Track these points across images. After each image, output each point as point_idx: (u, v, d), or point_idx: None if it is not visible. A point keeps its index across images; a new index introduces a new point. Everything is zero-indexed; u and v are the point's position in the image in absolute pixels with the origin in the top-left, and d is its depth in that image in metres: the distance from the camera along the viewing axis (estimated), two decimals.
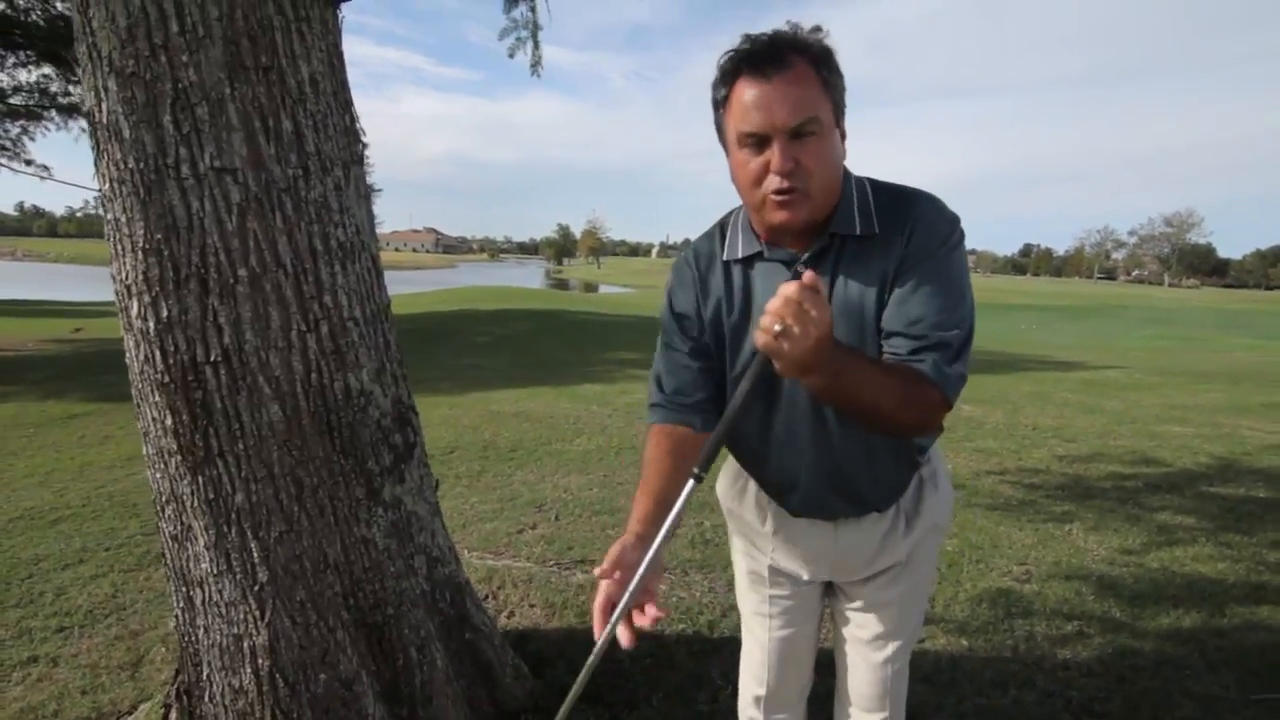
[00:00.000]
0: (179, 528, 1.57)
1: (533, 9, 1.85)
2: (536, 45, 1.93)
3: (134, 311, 1.44)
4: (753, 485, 1.35)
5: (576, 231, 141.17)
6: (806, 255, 1.09)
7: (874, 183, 1.11)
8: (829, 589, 1.42)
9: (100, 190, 1.44)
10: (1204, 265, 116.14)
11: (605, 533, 3.39)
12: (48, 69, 12.78)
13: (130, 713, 2.13)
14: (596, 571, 1.04)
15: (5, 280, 39.19)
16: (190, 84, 1.35)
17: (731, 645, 2.41)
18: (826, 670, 1.51)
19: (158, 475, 1.57)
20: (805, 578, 1.35)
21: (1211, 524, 3.59)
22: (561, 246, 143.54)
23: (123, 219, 1.41)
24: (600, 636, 0.99)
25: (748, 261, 1.14)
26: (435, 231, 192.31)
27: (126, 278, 1.44)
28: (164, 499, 1.58)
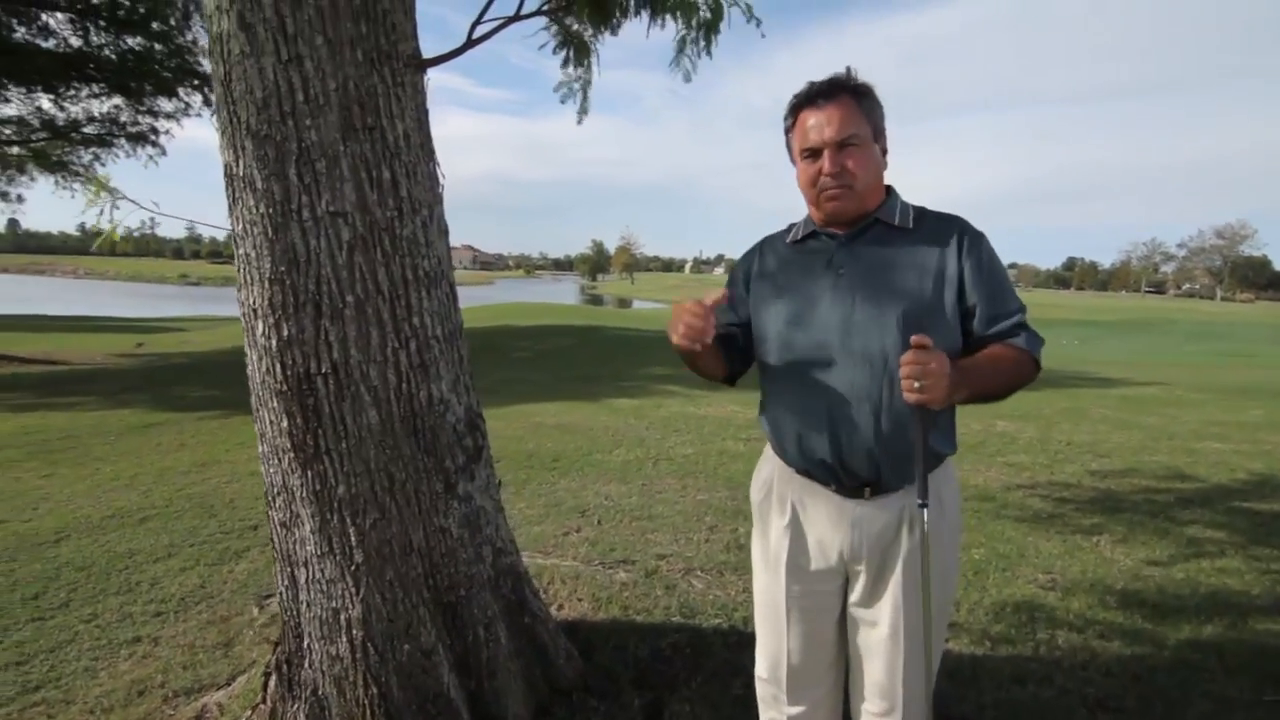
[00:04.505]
0: (288, 515, 1.83)
1: (588, 70, 2.12)
2: (586, 98, 2.21)
3: (259, 331, 1.72)
4: (776, 479, 1.54)
5: (610, 248, 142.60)
6: (849, 233, 1.42)
7: (914, 205, 1.47)
8: (846, 593, 1.51)
9: (233, 230, 1.72)
10: (1259, 278, 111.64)
11: (645, 536, 3.60)
12: (118, 100, 13.67)
13: (228, 684, 2.40)
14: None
15: (71, 297, 41.29)
16: (312, 143, 1.63)
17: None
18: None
19: (271, 470, 1.83)
20: (813, 567, 1.48)
21: (1241, 538, 3.64)
22: (596, 263, 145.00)
23: (252, 254, 1.69)
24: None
25: (803, 241, 1.49)
26: (473, 249, 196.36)
27: (254, 303, 1.71)
28: (275, 490, 1.84)
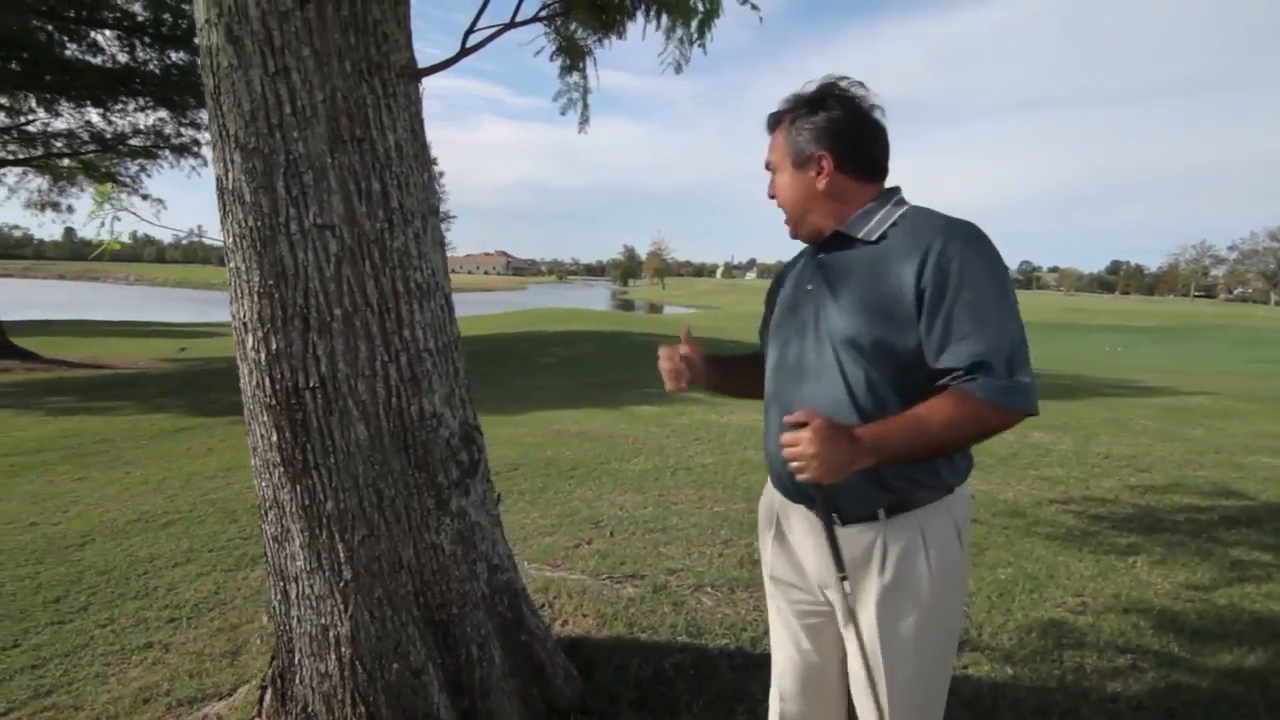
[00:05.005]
0: (279, 530, 1.82)
1: (584, 76, 2.09)
2: (586, 106, 2.17)
3: (249, 344, 1.71)
4: (768, 495, 1.51)
5: (642, 253, 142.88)
6: (817, 247, 1.39)
7: (915, 208, 1.30)
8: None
9: (225, 244, 1.72)
10: None
11: (657, 549, 3.54)
12: (162, 113, 14.15)
13: (230, 695, 2.40)
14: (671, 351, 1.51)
15: (121, 303, 42.84)
16: (299, 155, 1.61)
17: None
18: None
19: (263, 484, 1.82)
20: (796, 584, 1.44)
21: None
22: (627, 268, 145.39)
23: (242, 268, 1.68)
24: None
25: (810, 251, 1.43)
26: (506, 254, 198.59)
27: (244, 316, 1.71)
28: (267, 505, 1.83)
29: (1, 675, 2.56)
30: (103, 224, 1.90)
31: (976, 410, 1.14)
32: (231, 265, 1.71)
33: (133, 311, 33.34)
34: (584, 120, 2.22)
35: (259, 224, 1.63)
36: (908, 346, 1.20)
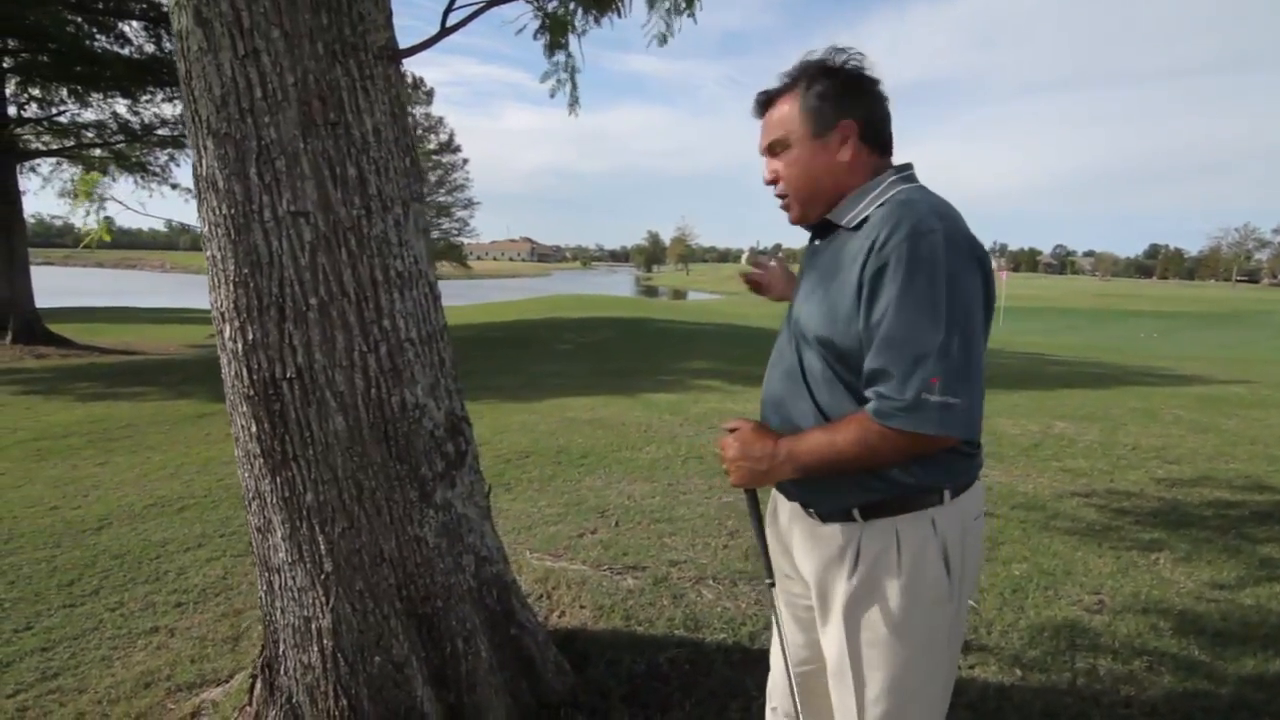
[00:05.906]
0: (262, 521, 1.81)
1: (569, 54, 2.02)
2: (575, 86, 2.10)
3: (227, 334, 1.69)
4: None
5: (666, 238, 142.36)
6: (812, 236, 1.31)
7: (906, 192, 1.15)
8: None
9: (201, 232, 1.70)
10: None
11: (661, 540, 3.49)
12: None
13: (228, 681, 2.43)
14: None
15: (155, 290, 43.86)
16: (271, 141, 1.57)
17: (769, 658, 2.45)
18: None
19: (245, 475, 1.81)
20: (785, 572, 1.42)
21: None
22: (651, 254, 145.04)
23: (218, 256, 1.65)
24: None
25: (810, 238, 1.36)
26: (530, 241, 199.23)
27: (221, 306, 1.68)
28: (250, 495, 1.82)
29: (12, 657, 2.61)
30: (88, 213, 1.89)
31: (879, 432, 1.05)
32: (208, 254, 1.68)
33: (167, 298, 34.09)
34: (573, 101, 2.14)
35: (233, 211, 1.60)
36: (850, 347, 1.12)
